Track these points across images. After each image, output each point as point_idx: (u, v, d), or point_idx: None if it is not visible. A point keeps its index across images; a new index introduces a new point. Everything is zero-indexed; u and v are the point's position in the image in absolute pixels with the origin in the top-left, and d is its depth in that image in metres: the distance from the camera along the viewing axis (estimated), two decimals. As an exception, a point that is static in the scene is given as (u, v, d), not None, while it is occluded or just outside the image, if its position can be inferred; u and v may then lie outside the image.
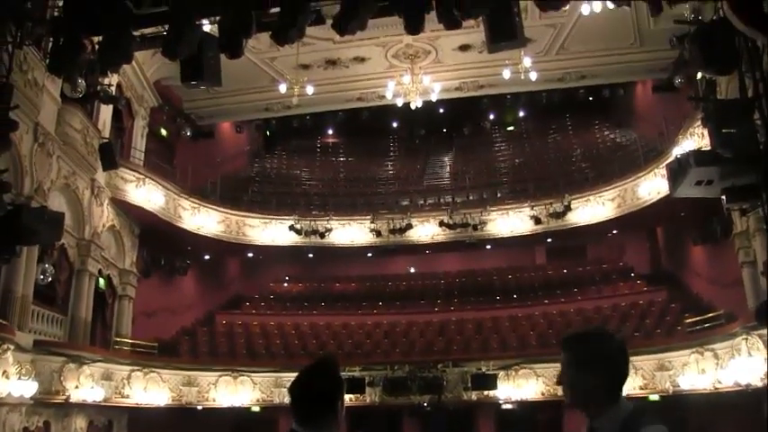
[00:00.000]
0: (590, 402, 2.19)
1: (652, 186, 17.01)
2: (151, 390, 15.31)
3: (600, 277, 22.21)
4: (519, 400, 16.05)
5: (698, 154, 8.24)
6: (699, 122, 13.65)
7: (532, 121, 29.25)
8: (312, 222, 20.73)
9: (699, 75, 13.24)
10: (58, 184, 13.09)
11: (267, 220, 20.91)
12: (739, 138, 6.86)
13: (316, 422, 2.36)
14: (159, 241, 18.02)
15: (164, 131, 20.38)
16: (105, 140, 14.34)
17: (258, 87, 19.92)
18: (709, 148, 8.04)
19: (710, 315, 14.81)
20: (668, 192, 14.60)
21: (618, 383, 2.19)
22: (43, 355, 12.18)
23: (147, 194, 16.65)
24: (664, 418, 2.11)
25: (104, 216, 15.20)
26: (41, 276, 11.93)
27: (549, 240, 22.16)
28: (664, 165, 14.88)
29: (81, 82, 11.10)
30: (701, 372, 13.67)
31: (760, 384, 11.18)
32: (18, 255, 8.53)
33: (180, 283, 20.57)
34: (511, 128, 30.10)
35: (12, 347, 10.71)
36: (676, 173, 8.54)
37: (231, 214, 20.41)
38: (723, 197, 7.82)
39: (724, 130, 7.01)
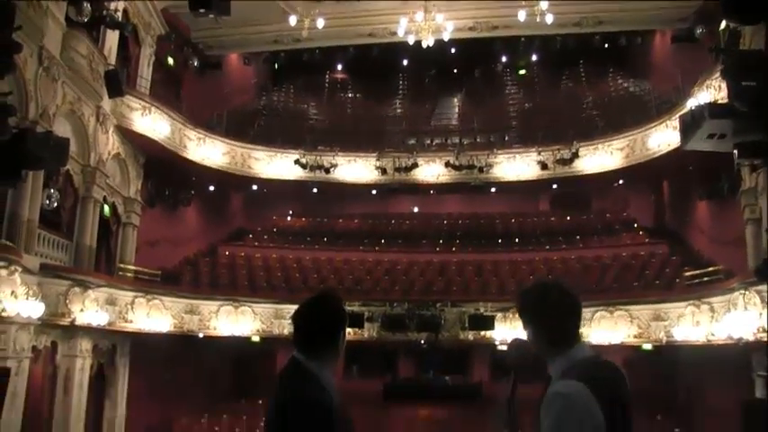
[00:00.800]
0: (541, 350, 2.30)
1: (662, 138, 16.87)
2: (154, 316, 15.56)
3: (602, 227, 22.21)
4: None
5: (713, 106, 8.12)
6: (716, 75, 13.46)
7: (545, 67, 28.74)
8: (318, 157, 20.70)
9: (722, 25, 12.95)
10: (63, 110, 13.01)
11: (272, 154, 20.86)
12: (758, 91, 6.73)
13: (316, 351, 2.42)
14: (164, 171, 18.01)
15: (171, 61, 20.11)
16: (111, 67, 14.18)
17: (268, 19, 19.57)
18: (724, 101, 7.92)
19: (710, 270, 14.89)
20: (678, 145, 14.51)
21: (560, 334, 2.26)
22: (49, 279, 12.32)
23: (153, 123, 16.56)
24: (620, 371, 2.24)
25: (110, 144, 15.16)
26: (47, 201, 11.96)
27: (554, 187, 22.14)
28: (676, 117, 14.73)
29: (86, 6, 10.90)
30: (695, 324, 13.84)
31: (751, 339, 11.32)
32: (23, 179, 8.53)
33: (183, 215, 20.65)
34: (522, 72, 29.65)
35: (19, 269, 10.85)
36: (689, 125, 8.44)
37: (237, 146, 20.34)
38: (735, 152, 7.74)
39: (743, 83, 6.87)
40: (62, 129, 12.62)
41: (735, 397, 13.21)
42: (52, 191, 12.13)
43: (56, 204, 12.26)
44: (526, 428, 2.23)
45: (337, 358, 2.47)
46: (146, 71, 17.44)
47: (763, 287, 10.40)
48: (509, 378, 2.36)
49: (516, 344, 2.47)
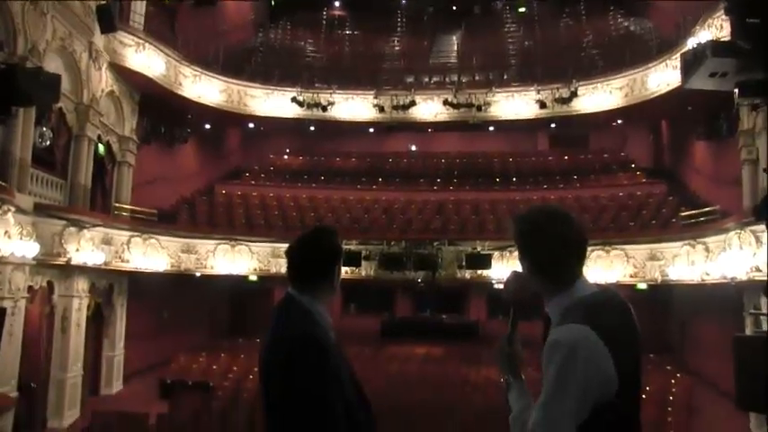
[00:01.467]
0: (537, 287, 2.05)
1: (662, 78, 16.63)
2: (150, 256, 15.59)
3: (600, 167, 22.19)
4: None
5: (716, 44, 7.92)
6: (717, 13, 13.18)
7: (545, 5, 28.17)
8: (315, 95, 20.44)
9: (725, -41, 12.58)
10: (53, 46, 12.71)
11: (269, 91, 20.59)
12: (762, 29, 6.55)
13: (310, 286, 2.39)
14: (159, 109, 17.75)
15: (165, -6, 19.61)
16: (103, 2, 13.82)
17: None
18: (727, 39, 7.74)
19: (706, 210, 14.90)
20: (678, 84, 14.39)
21: (560, 269, 2.00)
22: (44, 218, 12.26)
23: (147, 60, 16.23)
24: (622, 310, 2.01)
25: (103, 81, 14.89)
26: (39, 140, 11.79)
27: (552, 126, 21.96)
28: (676, 56, 14.53)
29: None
30: (690, 264, 13.92)
31: (744, 278, 11.40)
32: (13, 116, 8.39)
33: (180, 153, 20.50)
34: (522, 10, 29.03)
35: (12, 209, 10.77)
36: (690, 63, 8.26)
37: (233, 84, 20.04)
38: (736, 91, 7.59)
39: (748, 20, 6.68)
40: (53, 65, 12.32)
41: (726, 334, 13.40)
42: (44, 129, 11.95)
43: (48, 143, 12.10)
44: (528, 369, 2.11)
45: (332, 294, 2.44)
46: (139, 6, 16.96)
47: (758, 227, 10.40)
48: (508, 314, 2.11)
49: (514, 276, 2.11)
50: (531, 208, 2.11)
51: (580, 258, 2.04)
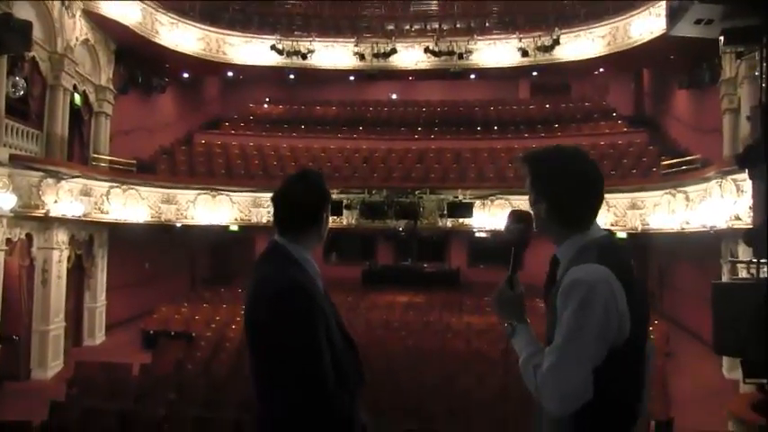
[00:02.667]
0: (547, 229, 2.01)
1: (645, 26, 16.50)
2: (130, 206, 15.45)
3: (582, 115, 22.18)
4: (493, 229, 16.45)
5: (702, -10, 7.86)
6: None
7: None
8: (294, 43, 20.09)
9: None
10: (23, -8, 12.28)
11: (248, 39, 20.20)
12: (749, -24, 6.51)
13: (296, 233, 2.32)
14: (136, 58, 17.34)
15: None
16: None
17: None
18: (713, -15, 7.65)
19: (687, 159, 14.98)
20: (661, 33, 14.32)
21: (580, 212, 1.97)
22: (20, 170, 12.05)
23: (122, 8, 15.74)
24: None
25: (77, 29, 14.45)
26: (12, 90, 11.51)
27: (534, 75, 21.86)
28: (660, 4, 14.43)
29: None
30: (671, 212, 14.05)
31: (724, 226, 11.53)
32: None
33: (158, 102, 20.16)
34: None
35: (-14, 161, 10.57)
36: (676, 9, 8.21)
37: (211, 32, 19.60)
38: (721, 38, 7.56)
39: (735, -33, 6.63)
40: (24, 13, 11.91)
41: (703, 282, 13.64)
42: (17, 79, 11.67)
43: (22, 93, 11.84)
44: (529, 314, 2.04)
45: (319, 241, 2.37)
46: (113, -47, 16.43)
47: (739, 176, 10.48)
48: (508, 256, 2.02)
49: (517, 216, 2.02)
50: (547, 148, 2.05)
51: (600, 198, 2.01)
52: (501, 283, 2.02)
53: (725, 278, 11.41)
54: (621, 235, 15.52)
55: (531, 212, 2.03)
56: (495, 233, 16.80)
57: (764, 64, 5.89)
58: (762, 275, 5.03)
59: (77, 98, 14.74)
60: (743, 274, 8.80)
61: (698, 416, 9.56)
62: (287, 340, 2.12)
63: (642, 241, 17.52)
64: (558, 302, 1.84)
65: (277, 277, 2.20)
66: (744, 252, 10.67)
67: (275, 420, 2.19)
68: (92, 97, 15.66)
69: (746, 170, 4.95)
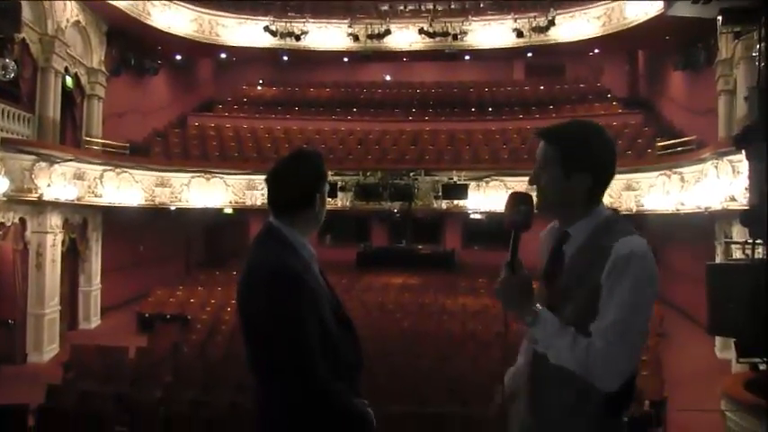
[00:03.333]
0: (570, 205, 1.97)
1: (640, 7, 16.40)
2: (124, 190, 15.38)
3: (576, 97, 22.12)
4: (488, 210, 16.45)
5: (700, -31, 7.79)
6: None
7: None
8: (288, 24, 19.94)
9: None
10: (12, -27, 12.12)
11: (241, 21, 20.05)
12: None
13: (291, 214, 2.26)
14: (128, 40, 17.18)
15: None
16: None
17: None
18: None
19: (682, 140, 14.97)
20: (656, 14, 14.25)
21: (604, 185, 1.97)
22: (12, 153, 11.98)
23: (113, -12, 15.60)
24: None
25: (68, 11, 14.29)
26: (2, 72, 11.34)
27: (528, 56, 21.76)
28: (657, -18, 14.30)
29: None
30: (665, 193, 14.06)
31: (718, 207, 11.55)
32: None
33: (151, 85, 20.03)
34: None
35: (-22, 144, 10.49)
36: (674, -11, 8.14)
37: (203, 13, 19.43)
38: (719, 18, 7.51)
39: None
40: (13, -3, 11.80)
41: (696, 262, 13.70)
42: (7, 61, 11.49)
43: (13, 75, 11.68)
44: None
45: (316, 224, 2.29)
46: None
47: (735, 157, 10.47)
48: (508, 238, 1.93)
49: (521, 197, 1.95)
50: (572, 123, 2.03)
51: (613, 174, 2.00)
52: (502, 271, 1.91)
53: (718, 259, 11.45)
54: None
55: (536, 192, 1.99)
56: (490, 215, 16.81)
57: (763, 44, 5.86)
58: (757, 256, 5.04)
59: (69, 81, 14.62)
60: (737, 255, 8.83)
61: (691, 395, 9.64)
62: (276, 327, 2.10)
63: (636, 223, 17.50)
64: (604, 276, 1.81)
65: (269, 262, 2.16)
66: (738, 233, 10.71)
67: (275, 407, 2.18)
68: (84, 80, 15.54)
69: (744, 151, 4.95)
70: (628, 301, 1.78)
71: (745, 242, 5.43)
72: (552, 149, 1.96)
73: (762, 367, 5.65)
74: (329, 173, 2.31)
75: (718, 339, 12.25)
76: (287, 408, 2.15)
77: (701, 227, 13.42)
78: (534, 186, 2.02)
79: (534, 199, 1.97)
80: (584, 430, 1.91)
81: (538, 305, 1.89)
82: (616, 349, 1.77)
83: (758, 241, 4.93)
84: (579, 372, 1.80)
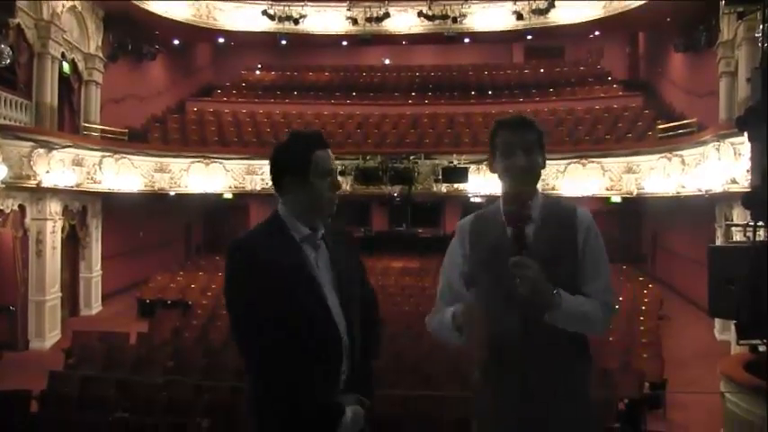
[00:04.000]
0: (535, 184, 2.23)
1: (642, -11, 16.32)
2: (123, 176, 15.33)
3: (576, 79, 22.04)
4: (488, 194, 16.40)
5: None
6: None
7: None
8: (286, 7, 19.81)
9: None
10: (5, -42, 12.01)
11: (239, 5, 19.90)
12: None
13: (284, 197, 2.26)
14: (125, 25, 17.05)
15: None
16: None
17: None
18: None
19: (683, 122, 14.91)
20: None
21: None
22: (10, 140, 11.93)
23: (109, -27, 15.50)
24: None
25: (63, -5, 14.20)
26: (-2, 58, 11.31)
27: (528, 38, 21.64)
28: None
29: None
30: (666, 176, 14.00)
31: (719, 190, 11.52)
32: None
33: (149, 70, 19.93)
34: None
35: (-25, 132, 10.44)
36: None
37: (201, -3, 19.31)
38: (723, -2, 7.46)
39: None
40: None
41: (696, 245, 13.72)
42: (3, 46, 11.43)
43: (8, 61, 11.62)
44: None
45: (311, 207, 2.23)
46: None
47: (737, 139, 10.43)
48: (516, 231, 2.06)
49: (520, 193, 2.14)
50: (522, 113, 2.35)
51: None
52: (522, 267, 1.98)
53: (719, 242, 11.45)
54: (616, 199, 15.55)
55: (517, 178, 2.19)
56: (490, 198, 16.77)
57: (766, 24, 5.82)
58: (758, 239, 5.04)
59: (66, 66, 14.52)
60: (737, 237, 8.83)
61: (691, 376, 9.68)
62: (228, 300, 2.17)
63: (636, 206, 17.56)
64: (581, 242, 2.14)
65: (235, 238, 2.21)
66: (738, 215, 10.70)
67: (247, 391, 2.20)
68: (81, 65, 15.45)
69: (746, 132, 4.92)
70: (605, 260, 2.17)
71: (747, 224, 5.43)
72: (529, 135, 2.21)
73: (761, 349, 5.66)
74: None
75: (717, 321, 12.28)
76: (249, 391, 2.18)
77: (701, 210, 13.41)
78: (513, 172, 2.18)
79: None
80: (581, 385, 2.18)
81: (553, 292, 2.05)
82: (615, 301, 2.19)
83: (759, 223, 4.92)
84: (596, 328, 2.14)
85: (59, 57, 13.98)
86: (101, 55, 16.09)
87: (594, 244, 2.14)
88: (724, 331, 12.02)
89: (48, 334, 12.89)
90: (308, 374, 2.09)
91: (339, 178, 2.40)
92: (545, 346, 2.09)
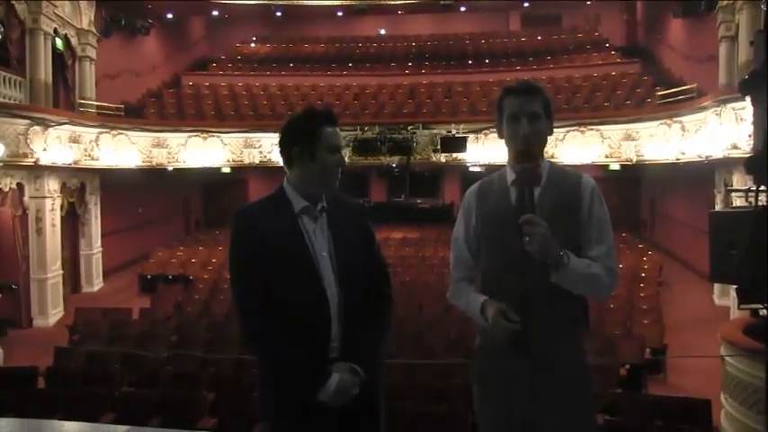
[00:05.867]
0: (541, 150, 2.26)
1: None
2: (121, 151, 15.29)
3: (574, 46, 21.88)
4: (487, 163, 16.36)
5: None
6: None
7: None
8: (279, -21, 19.60)
9: None
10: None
11: (232, -24, 19.71)
12: None
13: (289, 170, 2.37)
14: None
15: None
16: None
17: None
18: None
19: (683, 88, 14.81)
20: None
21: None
22: (5, 118, 11.86)
23: (99, -55, 15.28)
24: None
25: (53, -31, 14.01)
26: (-12, 33, 11.17)
27: (525, 5, 21.44)
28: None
29: None
30: (666, 142, 13.94)
31: (720, 156, 11.49)
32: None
33: (143, 45, 19.77)
34: None
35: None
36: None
37: (193, -31, 19.11)
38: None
39: None
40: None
41: (694, 211, 13.74)
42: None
43: (0, 38, 11.50)
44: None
45: (309, 180, 2.33)
46: None
47: (738, 104, 10.37)
48: (524, 190, 2.13)
49: (528, 154, 2.20)
50: (527, 80, 2.32)
51: None
52: (532, 225, 2.03)
53: (718, 207, 11.45)
54: (615, 166, 15.51)
55: (525, 144, 2.19)
56: (489, 167, 16.73)
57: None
58: (760, 203, 5.03)
59: (59, 42, 14.38)
60: (737, 203, 8.83)
61: (691, 341, 9.75)
62: (229, 262, 2.36)
63: (635, 173, 17.53)
64: (586, 207, 2.18)
65: (240, 207, 2.40)
66: (738, 181, 10.70)
67: None
68: (74, 41, 15.29)
69: (748, 96, 4.88)
70: (609, 225, 2.20)
71: (749, 189, 5.42)
72: (534, 102, 2.20)
73: (762, 313, 5.69)
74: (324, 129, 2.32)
75: (716, 287, 12.34)
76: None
77: (700, 176, 13.40)
78: (518, 139, 2.20)
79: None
80: (576, 348, 2.21)
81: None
82: (617, 266, 2.20)
83: (761, 188, 4.91)
84: (601, 292, 2.17)
85: (52, 32, 13.83)
86: (94, 30, 15.92)
87: (599, 210, 2.17)
88: (723, 296, 12.09)
89: (50, 311, 12.94)
90: (290, 336, 2.20)
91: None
92: (548, 309, 2.13)
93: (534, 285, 2.12)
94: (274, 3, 19.88)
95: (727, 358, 6.17)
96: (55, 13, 13.95)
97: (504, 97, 2.26)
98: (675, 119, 13.73)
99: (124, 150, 15.38)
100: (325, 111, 2.40)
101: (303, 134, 2.31)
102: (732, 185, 11.17)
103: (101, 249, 15.75)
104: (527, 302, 2.12)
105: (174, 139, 16.29)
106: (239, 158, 16.61)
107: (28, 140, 12.41)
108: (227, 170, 17.08)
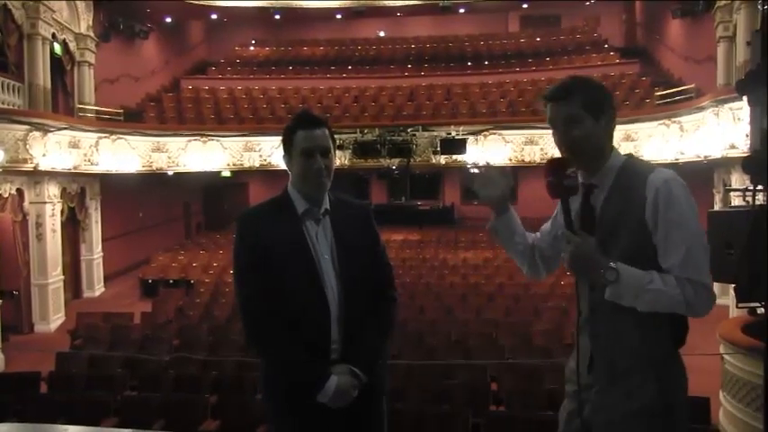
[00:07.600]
0: (601, 150, 2.02)
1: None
2: (120, 156, 15.31)
3: (573, 48, 21.92)
4: (486, 164, 16.36)
5: None
6: None
7: None
8: (278, -18, 19.63)
9: None
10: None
11: (230, -20, 19.74)
12: None
13: (290, 173, 2.41)
14: (116, 4, 16.93)
15: None
16: None
17: None
18: None
19: (681, 89, 14.84)
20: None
21: (615, 122, 2.06)
22: (4, 124, 11.88)
23: (98, -51, 15.31)
24: None
25: (51, -26, 14.03)
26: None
27: (524, 7, 21.47)
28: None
29: None
30: (665, 142, 13.98)
31: (718, 155, 11.51)
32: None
33: (142, 49, 19.80)
34: None
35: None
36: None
37: (191, -27, 19.12)
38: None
39: None
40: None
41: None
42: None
43: (-3, 43, 11.51)
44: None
45: (301, 182, 2.35)
46: None
47: (736, 104, 10.40)
48: (566, 204, 1.97)
49: (563, 162, 1.98)
50: (572, 78, 2.07)
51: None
52: (567, 238, 1.93)
53: (717, 206, 11.47)
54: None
55: (564, 152, 2.02)
56: (488, 169, 16.72)
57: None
58: (757, 203, 5.04)
59: (57, 47, 14.38)
60: (735, 202, 8.85)
61: (689, 340, 9.70)
62: (233, 263, 2.38)
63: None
64: (649, 212, 1.88)
65: (245, 210, 2.48)
66: (737, 181, 10.71)
67: None
68: (72, 46, 15.30)
69: (746, 96, 4.90)
70: (687, 227, 1.86)
71: (746, 189, 5.44)
72: (568, 105, 1.99)
73: (760, 311, 5.71)
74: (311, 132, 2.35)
75: (715, 286, 12.30)
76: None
77: (699, 176, 13.40)
78: (561, 147, 2.04)
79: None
80: (649, 369, 1.96)
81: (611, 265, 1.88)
82: (702, 276, 1.86)
83: (759, 187, 4.93)
84: (677, 309, 1.87)
85: (50, 37, 13.83)
86: (92, 35, 15.93)
87: (666, 211, 1.87)
88: (721, 296, 12.07)
89: (52, 316, 12.95)
90: (291, 338, 2.23)
91: (337, 152, 2.52)
92: (614, 325, 1.98)
93: (600, 299, 1.95)
94: (273, 5, 19.90)
95: (726, 356, 6.19)
96: (53, 18, 13.95)
97: (545, 106, 2.09)
98: (674, 119, 13.76)
99: (124, 155, 15.40)
100: (302, 114, 2.44)
101: (283, 140, 2.38)
102: (730, 185, 11.19)
103: (101, 254, 15.77)
104: (594, 316, 2.03)
105: (174, 143, 16.32)
106: (239, 162, 16.65)
107: (27, 146, 12.42)
108: (227, 174, 17.10)
